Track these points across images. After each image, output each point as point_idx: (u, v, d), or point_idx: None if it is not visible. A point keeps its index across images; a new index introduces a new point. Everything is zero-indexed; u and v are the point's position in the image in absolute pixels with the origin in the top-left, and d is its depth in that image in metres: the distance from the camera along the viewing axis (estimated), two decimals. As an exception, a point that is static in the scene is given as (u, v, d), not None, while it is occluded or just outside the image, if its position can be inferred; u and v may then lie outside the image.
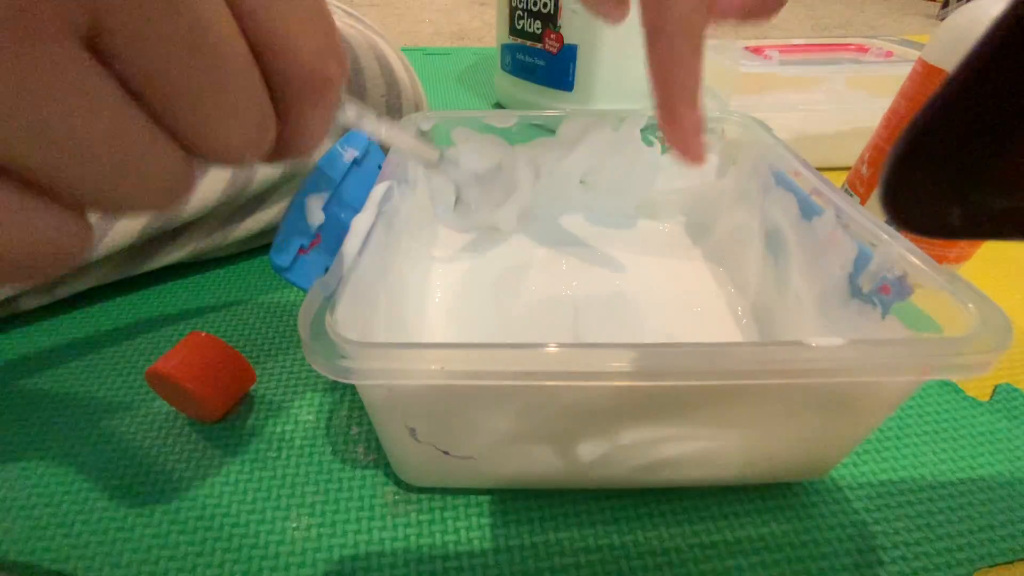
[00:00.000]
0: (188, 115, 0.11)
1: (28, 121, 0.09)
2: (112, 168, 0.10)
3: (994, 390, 0.29)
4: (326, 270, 0.20)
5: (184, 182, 0.12)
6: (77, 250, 0.11)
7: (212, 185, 0.32)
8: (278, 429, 0.27)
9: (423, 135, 0.34)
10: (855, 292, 0.23)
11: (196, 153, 0.12)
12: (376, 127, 0.20)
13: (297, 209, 0.24)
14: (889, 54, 0.54)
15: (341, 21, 0.39)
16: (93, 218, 0.31)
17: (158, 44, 0.10)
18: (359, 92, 0.38)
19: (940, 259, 0.34)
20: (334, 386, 0.29)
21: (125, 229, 0.31)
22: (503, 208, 0.34)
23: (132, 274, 0.34)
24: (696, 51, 0.22)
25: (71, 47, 0.09)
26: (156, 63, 0.10)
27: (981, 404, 0.28)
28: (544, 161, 0.35)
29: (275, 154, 0.13)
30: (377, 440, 0.26)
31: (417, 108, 0.43)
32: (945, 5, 1.11)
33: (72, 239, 0.11)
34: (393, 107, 0.40)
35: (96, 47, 0.09)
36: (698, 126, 0.24)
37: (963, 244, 0.34)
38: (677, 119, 0.23)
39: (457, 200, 0.30)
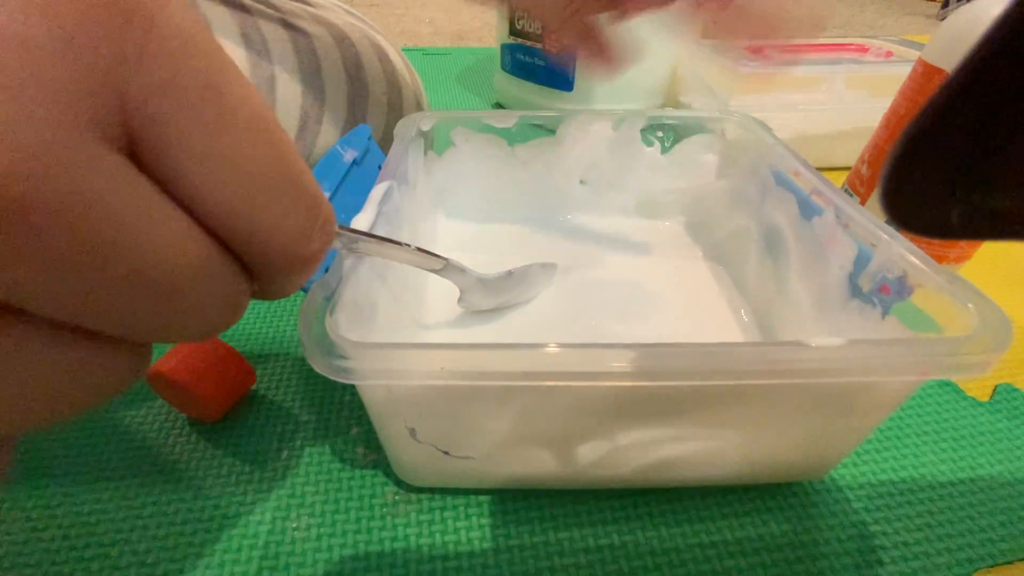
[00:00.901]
0: (135, 335, 0.10)
1: None
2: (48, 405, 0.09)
3: (994, 390, 0.29)
4: (326, 270, 0.20)
5: (129, 380, 0.11)
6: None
7: None
8: (278, 429, 0.27)
9: (423, 134, 0.34)
10: (855, 292, 0.23)
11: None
12: (377, 248, 0.20)
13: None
14: (889, 54, 0.54)
15: (343, 20, 0.39)
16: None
17: (87, 298, 0.08)
18: (361, 90, 0.38)
19: (940, 259, 0.34)
20: (334, 386, 0.29)
21: None
22: (514, 307, 0.32)
23: None
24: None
25: None
26: (88, 309, 0.09)
27: (981, 404, 0.28)
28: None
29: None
30: (377, 440, 0.26)
31: (418, 106, 0.43)
32: (945, 5, 1.11)
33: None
34: (394, 105, 0.40)
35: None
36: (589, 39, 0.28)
37: (963, 244, 0.34)
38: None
39: (460, 298, 0.30)
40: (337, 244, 0.19)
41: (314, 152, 0.36)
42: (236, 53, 0.32)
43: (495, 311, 0.31)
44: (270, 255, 0.11)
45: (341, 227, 0.18)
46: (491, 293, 0.30)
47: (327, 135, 0.36)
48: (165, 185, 0.09)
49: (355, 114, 0.38)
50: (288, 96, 0.34)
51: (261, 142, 0.10)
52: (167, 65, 0.09)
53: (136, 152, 0.09)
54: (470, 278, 0.28)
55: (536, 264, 0.32)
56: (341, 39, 0.37)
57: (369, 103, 0.38)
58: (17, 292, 0.08)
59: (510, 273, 0.31)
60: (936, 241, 0.33)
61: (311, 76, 0.35)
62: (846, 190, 0.39)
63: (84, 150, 0.08)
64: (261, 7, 0.34)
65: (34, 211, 0.07)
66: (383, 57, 0.40)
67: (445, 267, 0.25)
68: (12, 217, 0.07)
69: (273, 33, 0.34)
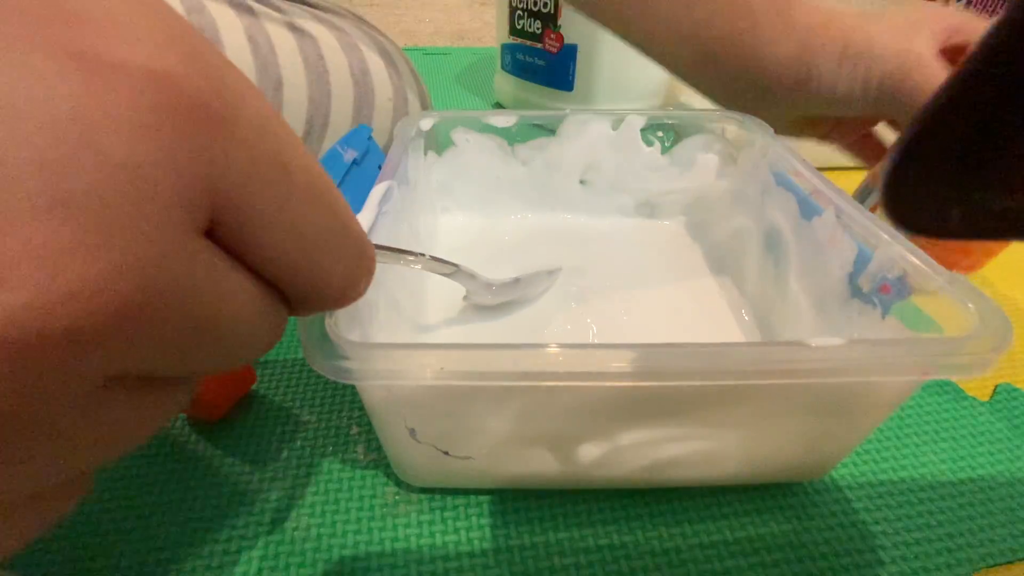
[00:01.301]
0: (198, 374, 0.11)
1: None
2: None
3: (994, 390, 0.29)
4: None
5: (185, 405, 0.12)
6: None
7: None
8: (278, 429, 0.27)
9: (424, 136, 0.34)
10: (855, 292, 0.23)
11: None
12: (393, 257, 0.22)
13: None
14: (889, 54, 0.54)
15: (349, 24, 0.39)
16: None
17: (177, 358, 0.10)
18: (367, 94, 0.38)
19: (951, 266, 0.33)
20: (334, 386, 0.29)
21: None
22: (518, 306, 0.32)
23: None
24: None
25: None
26: (174, 365, 0.10)
27: (981, 404, 0.28)
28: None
29: None
30: (377, 440, 0.26)
31: (423, 108, 0.43)
32: (945, 5, 1.11)
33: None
34: (399, 109, 0.40)
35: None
36: None
37: (977, 253, 0.33)
38: None
39: (466, 296, 0.30)
40: None
41: (319, 155, 0.36)
42: (243, 57, 0.32)
43: (499, 308, 0.31)
44: (324, 300, 0.12)
45: None
46: (497, 296, 0.31)
47: (332, 139, 0.36)
48: (236, 253, 0.10)
49: (361, 117, 0.38)
50: (294, 100, 0.34)
51: (320, 205, 0.11)
52: (246, 157, 0.09)
53: (213, 229, 0.10)
54: (479, 283, 0.29)
55: (543, 271, 0.33)
56: (347, 43, 0.37)
57: (375, 107, 0.38)
58: (131, 368, 0.09)
59: (517, 280, 0.31)
60: (951, 246, 0.32)
61: (317, 80, 0.35)
62: (867, 187, 0.37)
63: (185, 251, 0.09)
64: (268, 10, 0.34)
65: (149, 310, 0.08)
66: (389, 62, 0.40)
67: (455, 272, 0.26)
68: (131, 317, 0.08)
69: (280, 36, 0.34)
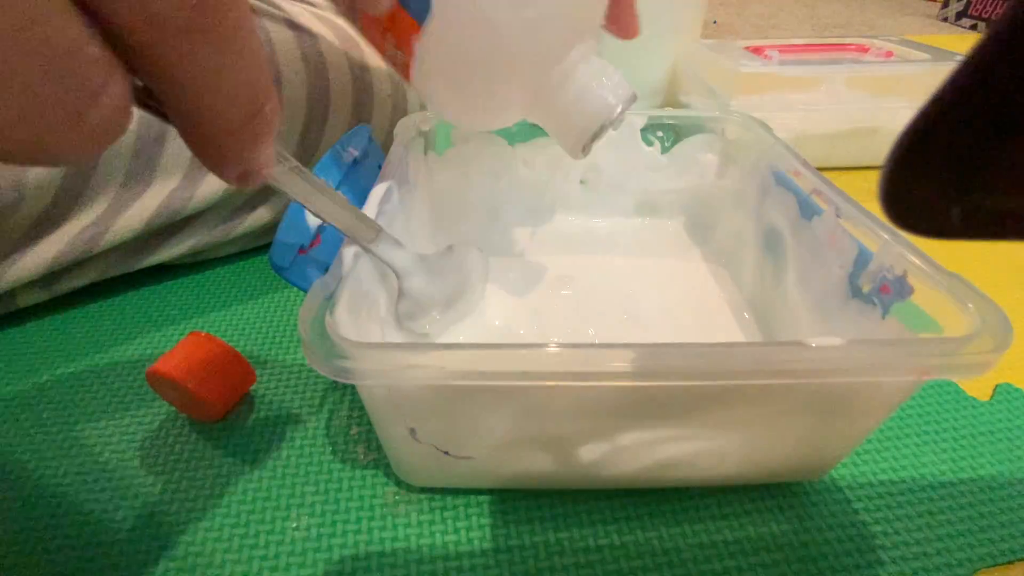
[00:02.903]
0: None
1: None
2: None
3: (994, 390, 0.29)
4: (326, 270, 0.20)
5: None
6: None
7: (216, 181, 0.33)
8: (278, 429, 0.27)
9: (407, 135, 0.34)
10: (855, 292, 0.23)
11: None
12: (303, 188, 0.18)
13: (297, 209, 0.24)
14: (889, 54, 0.54)
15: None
16: (102, 208, 0.31)
17: None
18: (367, 90, 0.38)
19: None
20: (334, 386, 0.29)
21: (129, 223, 0.31)
22: (457, 305, 0.29)
23: (133, 269, 0.34)
24: None
25: None
26: None
27: (981, 404, 0.28)
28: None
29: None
30: (377, 440, 0.26)
31: (422, 106, 0.43)
32: (945, 5, 1.11)
33: None
34: (399, 106, 0.40)
35: None
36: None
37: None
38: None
39: (400, 294, 0.25)
40: (277, 169, 0.17)
41: (318, 152, 0.37)
42: None
43: (443, 321, 0.29)
44: (224, 130, 0.09)
45: (283, 154, 0.17)
46: (432, 277, 0.27)
47: (332, 135, 0.36)
48: None
49: (360, 114, 0.38)
50: (293, 97, 0.34)
51: None
52: None
53: None
54: (408, 256, 0.25)
55: (475, 250, 0.30)
56: (346, 40, 0.37)
57: (374, 103, 0.38)
58: None
59: (451, 249, 0.28)
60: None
61: (317, 76, 0.35)
62: None
63: None
64: (266, 7, 0.34)
65: None
66: None
67: (379, 237, 0.22)
68: None
69: (279, 33, 0.34)
